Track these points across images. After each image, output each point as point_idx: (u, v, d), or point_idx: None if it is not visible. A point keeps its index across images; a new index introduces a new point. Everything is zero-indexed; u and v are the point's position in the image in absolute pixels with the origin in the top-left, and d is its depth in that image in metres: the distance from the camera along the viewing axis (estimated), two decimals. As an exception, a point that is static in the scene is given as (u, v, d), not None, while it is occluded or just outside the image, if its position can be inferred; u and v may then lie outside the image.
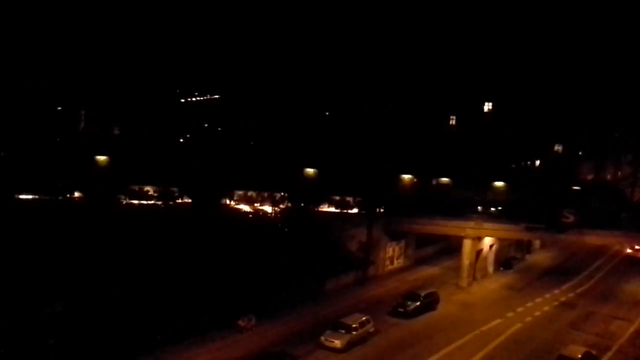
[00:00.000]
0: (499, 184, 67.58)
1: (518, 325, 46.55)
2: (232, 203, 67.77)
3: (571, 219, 57.48)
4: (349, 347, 38.58)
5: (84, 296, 38.94)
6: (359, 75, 74.60)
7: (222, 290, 42.33)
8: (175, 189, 64.26)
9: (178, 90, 77.90)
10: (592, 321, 49.41)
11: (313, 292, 48.80)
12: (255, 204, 67.58)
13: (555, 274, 65.35)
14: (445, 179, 72.51)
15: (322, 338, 38.73)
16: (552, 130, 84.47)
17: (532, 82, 79.36)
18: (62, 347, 33.38)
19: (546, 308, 52.10)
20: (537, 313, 50.32)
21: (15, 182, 55.69)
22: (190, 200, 64.01)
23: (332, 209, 67.78)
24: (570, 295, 57.07)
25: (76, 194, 60.44)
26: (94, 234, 48.02)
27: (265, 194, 67.73)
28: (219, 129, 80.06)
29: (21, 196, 56.65)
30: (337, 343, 38.26)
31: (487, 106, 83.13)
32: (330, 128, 74.35)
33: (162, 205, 62.91)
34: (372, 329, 41.37)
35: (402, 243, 61.99)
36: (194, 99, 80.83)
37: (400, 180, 69.97)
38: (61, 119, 67.46)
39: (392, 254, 60.95)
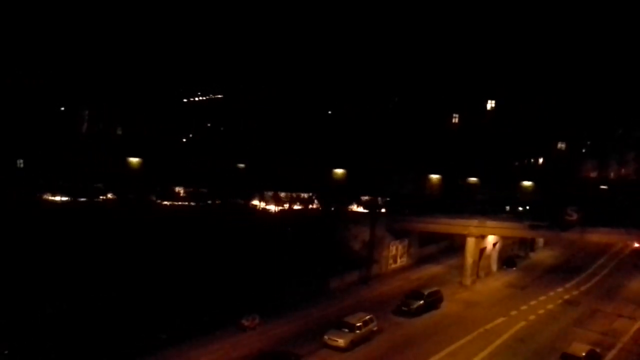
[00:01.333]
0: (527, 183, 67.15)
1: (522, 324, 46.47)
2: (262, 204, 67.71)
3: (574, 217, 57.42)
4: (352, 346, 38.56)
5: (86, 296, 39.00)
6: (360, 75, 74.48)
7: (225, 289, 42.41)
8: (205, 190, 64.15)
9: (180, 90, 77.81)
10: (596, 319, 49.31)
11: (317, 291, 48.84)
12: (285, 205, 67.67)
13: (559, 272, 65.35)
14: (473, 179, 72.27)
15: (326, 337, 38.71)
16: (554, 128, 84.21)
17: (534, 80, 79.17)
18: (64, 346, 33.40)
19: (550, 306, 52.01)
20: (541, 311, 50.24)
21: (40, 183, 55.71)
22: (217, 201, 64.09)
23: (361, 209, 67.78)
24: (574, 293, 57.05)
25: (109, 196, 60.46)
26: (103, 234, 48.17)
27: (294, 195, 67.72)
28: (222, 128, 79.97)
29: (50, 197, 56.53)
30: (341, 342, 38.24)
31: (490, 104, 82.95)
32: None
33: (190, 206, 62.77)
34: (375, 328, 41.35)
35: (405, 242, 62.09)
36: (196, 98, 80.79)
37: (428, 180, 69.69)
38: (64, 119, 67.50)
39: (395, 253, 61.07)
